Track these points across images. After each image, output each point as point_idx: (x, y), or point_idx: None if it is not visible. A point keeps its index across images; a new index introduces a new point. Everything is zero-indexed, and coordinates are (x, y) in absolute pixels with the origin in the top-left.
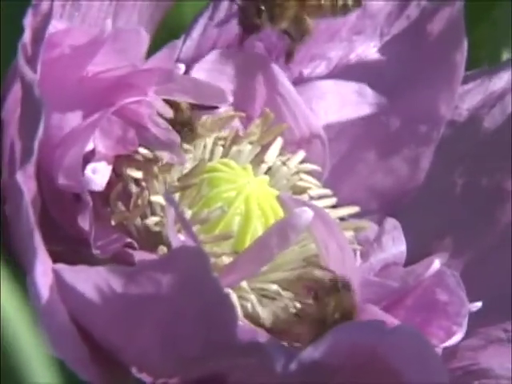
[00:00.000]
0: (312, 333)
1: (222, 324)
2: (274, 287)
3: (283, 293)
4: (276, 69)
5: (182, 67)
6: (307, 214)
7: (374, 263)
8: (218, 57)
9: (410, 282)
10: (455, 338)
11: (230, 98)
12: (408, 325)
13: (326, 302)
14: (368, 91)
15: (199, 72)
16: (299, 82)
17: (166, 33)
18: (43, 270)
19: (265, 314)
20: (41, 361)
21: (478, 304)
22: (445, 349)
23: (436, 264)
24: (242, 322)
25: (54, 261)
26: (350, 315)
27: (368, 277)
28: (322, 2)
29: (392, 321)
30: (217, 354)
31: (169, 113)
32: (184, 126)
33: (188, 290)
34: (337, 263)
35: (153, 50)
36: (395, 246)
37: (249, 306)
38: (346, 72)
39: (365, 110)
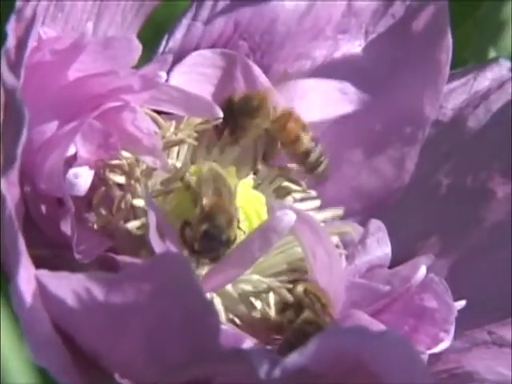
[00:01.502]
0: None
1: (205, 330)
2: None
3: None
4: (256, 69)
5: (163, 75)
6: (289, 216)
7: (359, 265)
8: (198, 59)
9: (395, 283)
10: (442, 345)
11: (219, 112)
12: (393, 331)
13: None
14: (350, 89)
15: (179, 75)
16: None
17: (155, 33)
18: (26, 278)
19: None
20: (20, 362)
21: (462, 303)
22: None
23: (423, 270)
24: (226, 326)
25: (37, 266)
26: (321, 299)
27: (353, 279)
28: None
29: (379, 327)
30: (201, 360)
31: (151, 125)
32: None
33: (170, 297)
34: (324, 270)
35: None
36: (380, 247)
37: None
38: (331, 71)
39: (347, 107)
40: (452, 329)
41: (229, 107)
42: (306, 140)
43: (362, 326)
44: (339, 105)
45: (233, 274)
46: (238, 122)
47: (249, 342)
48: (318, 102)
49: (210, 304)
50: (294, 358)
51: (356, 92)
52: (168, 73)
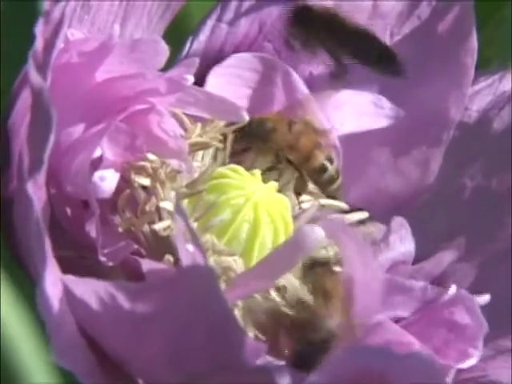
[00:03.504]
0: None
1: (228, 343)
2: None
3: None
4: (295, 76)
5: (190, 78)
6: (317, 233)
7: (382, 262)
8: (236, 61)
9: (418, 279)
10: (471, 361)
11: (246, 115)
12: (418, 351)
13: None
14: (385, 102)
15: (216, 77)
16: (310, 83)
17: (171, 33)
18: (53, 281)
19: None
20: (40, 362)
21: (486, 297)
22: None
23: (453, 289)
24: (249, 338)
25: (62, 267)
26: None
27: None
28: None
29: (409, 339)
30: (224, 371)
31: (177, 128)
32: None
33: (195, 309)
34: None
35: None
36: (403, 244)
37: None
38: (356, 72)
39: (382, 121)
40: (481, 345)
41: (244, 128)
42: (320, 157)
43: (386, 345)
44: (373, 118)
45: (257, 286)
46: (250, 144)
47: (271, 355)
48: (352, 114)
49: (234, 317)
50: (317, 376)
51: (391, 107)
52: (205, 74)
